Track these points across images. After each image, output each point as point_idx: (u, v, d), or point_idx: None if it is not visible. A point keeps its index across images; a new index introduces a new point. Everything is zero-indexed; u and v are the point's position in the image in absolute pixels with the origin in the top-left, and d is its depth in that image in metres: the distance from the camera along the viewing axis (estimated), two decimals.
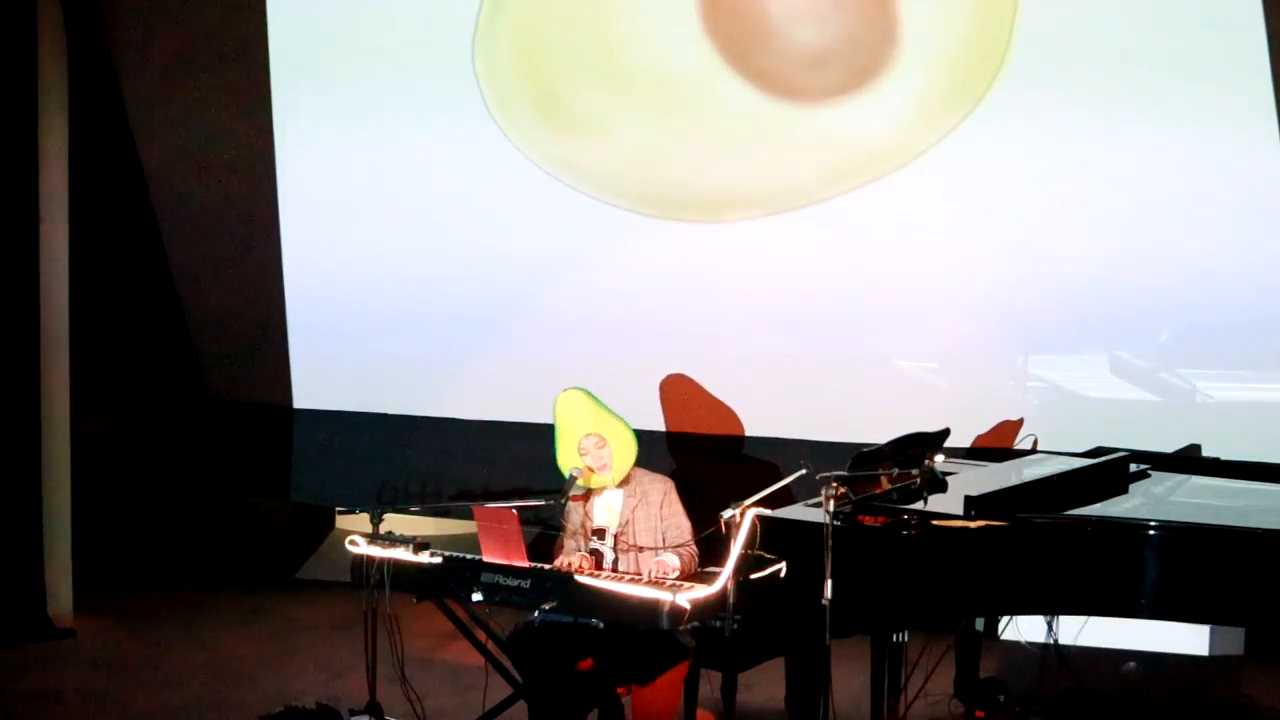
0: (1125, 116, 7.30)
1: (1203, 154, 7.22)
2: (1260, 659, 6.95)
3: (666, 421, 8.21)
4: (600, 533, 5.97)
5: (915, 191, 7.68)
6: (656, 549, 5.89)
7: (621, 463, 5.98)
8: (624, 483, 6.02)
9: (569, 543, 6.02)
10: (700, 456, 8.14)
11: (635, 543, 5.91)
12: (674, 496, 6.03)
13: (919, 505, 5.61)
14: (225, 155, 8.85)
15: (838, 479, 5.45)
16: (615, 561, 5.93)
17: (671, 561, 5.81)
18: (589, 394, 6.03)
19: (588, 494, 6.03)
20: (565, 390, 6.06)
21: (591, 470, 5.95)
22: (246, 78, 8.66)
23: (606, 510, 6.02)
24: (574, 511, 6.05)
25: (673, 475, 6.19)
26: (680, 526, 5.98)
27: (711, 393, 8.14)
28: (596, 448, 5.96)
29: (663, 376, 8.19)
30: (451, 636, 6.34)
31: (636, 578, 5.69)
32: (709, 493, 6.22)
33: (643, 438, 6.10)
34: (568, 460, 6.01)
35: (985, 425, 7.65)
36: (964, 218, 7.65)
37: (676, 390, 8.19)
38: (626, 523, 5.96)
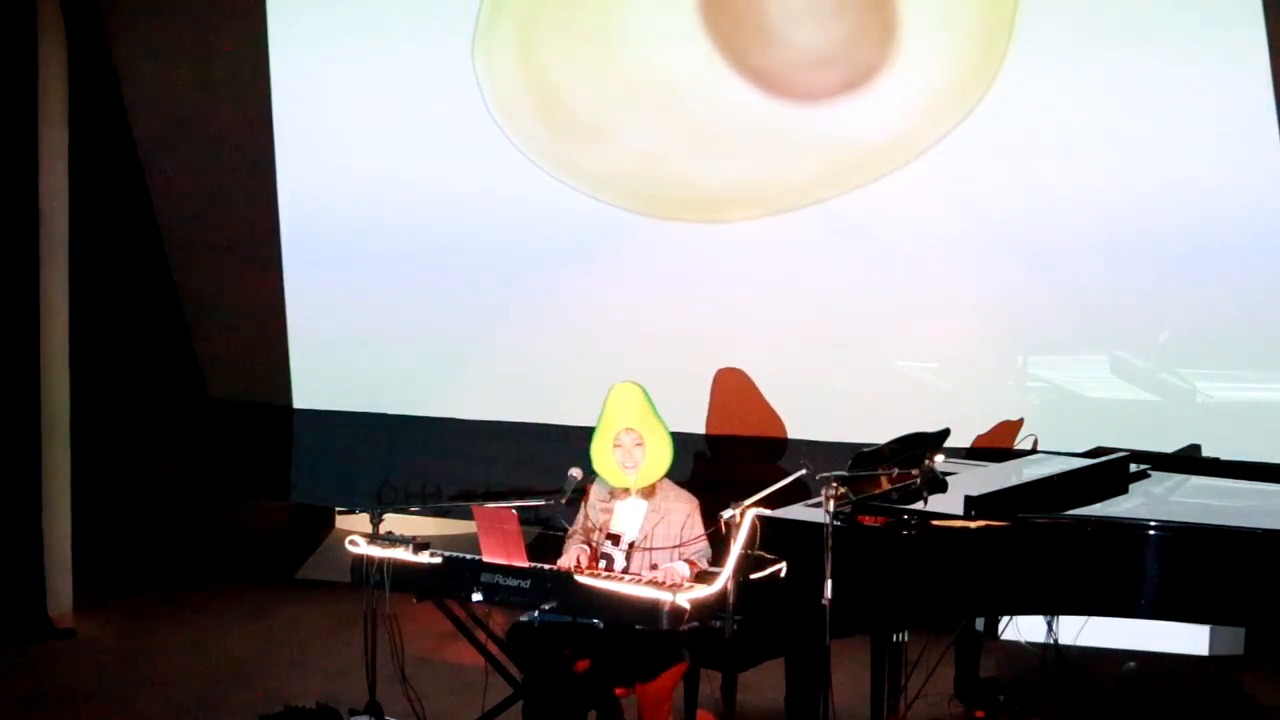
0: (1125, 116, 7.30)
1: (1203, 154, 7.22)
2: (1260, 659, 6.96)
3: (709, 419, 8.18)
4: (616, 538, 5.92)
5: (915, 191, 7.69)
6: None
7: (651, 470, 5.92)
8: (649, 494, 5.95)
9: (577, 538, 5.99)
10: (728, 457, 8.14)
11: (651, 557, 5.85)
12: (697, 519, 5.92)
13: (919, 505, 5.61)
14: (226, 155, 8.85)
15: (838, 479, 5.44)
16: (625, 570, 5.88)
17: (681, 569, 5.78)
18: (645, 391, 5.97)
19: (620, 493, 5.96)
20: (624, 381, 6.00)
21: (625, 468, 5.90)
22: (247, 78, 8.66)
23: (628, 518, 5.96)
24: (596, 511, 6.01)
25: (697, 477, 6.13)
26: (699, 550, 5.89)
27: (763, 394, 8.12)
28: (634, 444, 5.91)
29: (664, 376, 8.15)
30: (451, 636, 6.33)
31: (636, 577, 5.68)
32: (696, 492, 6.22)
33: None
34: (601, 449, 5.95)
35: (985, 425, 7.65)
36: (964, 217, 7.66)
37: (728, 386, 8.16)
38: (645, 537, 5.90)
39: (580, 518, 6.07)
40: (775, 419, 8.08)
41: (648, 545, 5.87)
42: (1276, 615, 5.44)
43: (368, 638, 5.93)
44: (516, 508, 5.74)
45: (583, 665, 5.78)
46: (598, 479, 6.04)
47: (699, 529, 5.91)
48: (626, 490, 5.95)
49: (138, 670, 7.44)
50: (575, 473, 5.93)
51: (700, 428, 8.19)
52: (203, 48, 8.74)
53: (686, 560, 5.81)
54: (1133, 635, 6.83)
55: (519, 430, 8.50)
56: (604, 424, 5.97)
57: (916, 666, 6.10)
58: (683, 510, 5.93)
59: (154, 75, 8.83)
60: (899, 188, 7.70)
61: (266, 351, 9.01)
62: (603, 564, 5.87)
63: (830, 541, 5.30)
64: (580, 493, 6.04)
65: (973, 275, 7.69)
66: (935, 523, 5.53)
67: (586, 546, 5.89)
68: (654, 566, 5.82)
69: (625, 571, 5.83)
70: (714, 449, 8.15)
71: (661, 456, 5.93)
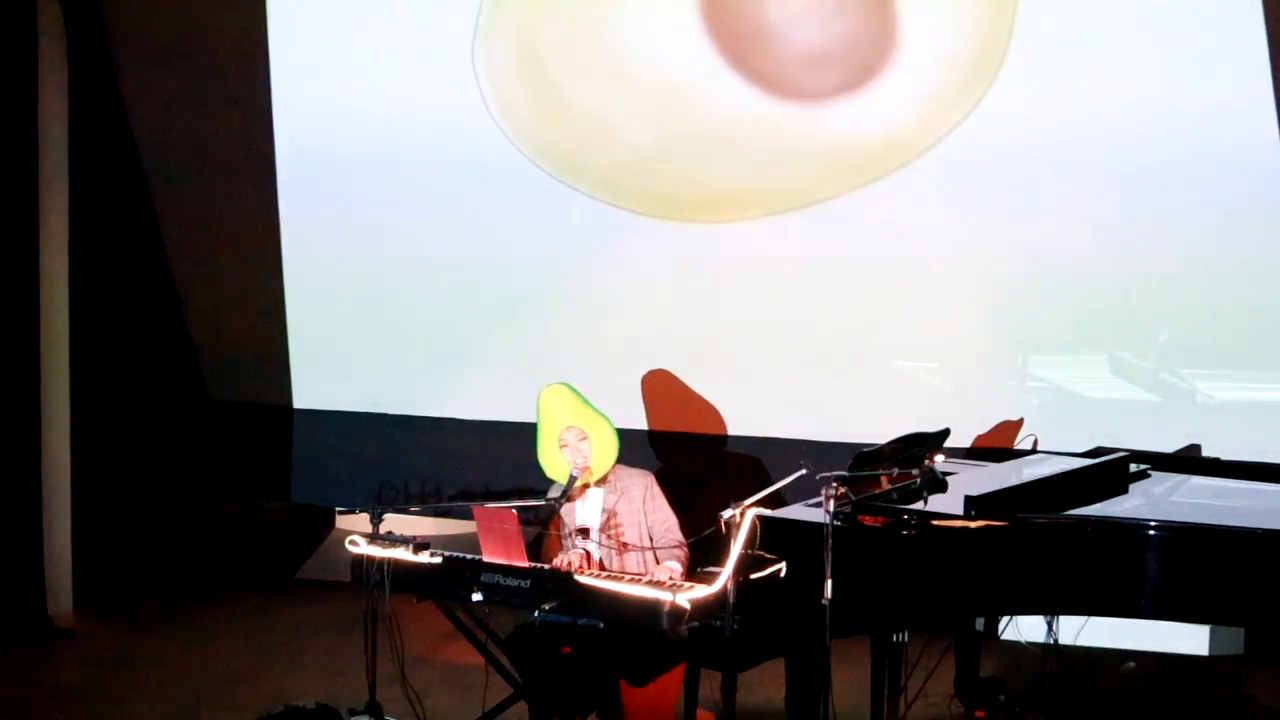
0: (1124, 116, 7.30)
1: (1203, 154, 7.22)
2: (1260, 659, 6.96)
3: (648, 419, 8.20)
4: (584, 532, 5.98)
5: (915, 191, 7.68)
6: (642, 547, 5.89)
7: (601, 459, 5.99)
8: (602, 481, 6.03)
9: (565, 543, 6.03)
10: (686, 455, 8.14)
11: (620, 538, 5.91)
12: (656, 490, 6.06)
13: (919, 505, 5.61)
14: (225, 154, 8.85)
15: (838, 479, 5.44)
16: (602, 560, 5.93)
17: (676, 568, 5.82)
18: (573, 389, 6.05)
19: (575, 492, 6.02)
20: (549, 385, 6.06)
21: (587, 468, 5.95)
22: (247, 81, 8.66)
23: (589, 509, 6.04)
24: (565, 513, 6.07)
25: (658, 474, 6.19)
26: (667, 522, 6.00)
27: (694, 390, 8.13)
28: (577, 440, 5.96)
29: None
30: (451, 636, 6.34)
31: (637, 577, 5.69)
32: (695, 491, 6.21)
33: (637, 437, 6.09)
34: (548, 455, 6.03)
35: (985, 425, 7.65)
36: (964, 217, 7.65)
37: (658, 386, 8.19)
38: (609, 519, 5.97)
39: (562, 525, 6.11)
40: (714, 414, 8.12)
41: (613, 525, 5.94)
42: (1276, 615, 5.44)
43: (368, 638, 5.93)
44: (516, 508, 5.75)
45: (565, 650, 5.79)
46: (553, 485, 6.08)
47: (660, 499, 6.03)
48: (584, 486, 6.00)
49: (137, 670, 7.44)
50: (577, 472, 5.95)
51: (703, 427, 8.19)
52: (203, 47, 8.73)
53: (670, 554, 5.84)
54: (1133, 635, 6.83)
55: (519, 430, 8.47)
56: (543, 429, 6.04)
57: (916, 666, 6.10)
58: (639, 485, 6.03)
59: (154, 75, 8.83)
60: (899, 188, 7.70)
61: (266, 351, 9.01)
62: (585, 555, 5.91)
63: (830, 541, 5.31)
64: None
65: (973, 275, 7.69)
66: (935, 523, 5.53)
67: (582, 550, 5.92)
68: (626, 547, 5.88)
69: (602, 564, 5.89)
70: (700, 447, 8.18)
71: (608, 445, 6.00)
